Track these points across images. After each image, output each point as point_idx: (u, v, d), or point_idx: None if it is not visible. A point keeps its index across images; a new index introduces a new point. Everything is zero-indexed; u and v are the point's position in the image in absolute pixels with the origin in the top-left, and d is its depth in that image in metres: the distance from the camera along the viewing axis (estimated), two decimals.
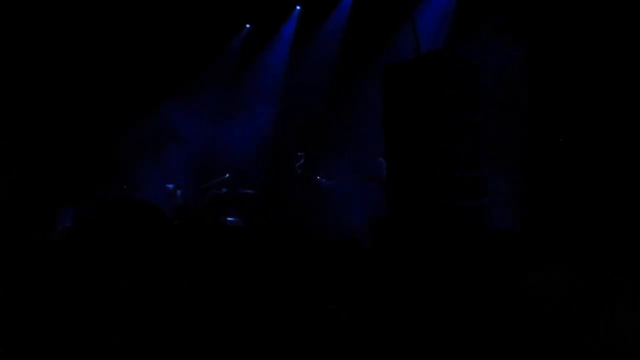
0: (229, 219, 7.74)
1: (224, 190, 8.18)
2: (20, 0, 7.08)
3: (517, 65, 6.00)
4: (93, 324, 2.94)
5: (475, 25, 6.56)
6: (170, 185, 8.20)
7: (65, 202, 7.07)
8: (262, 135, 8.94)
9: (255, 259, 3.95)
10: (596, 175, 5.30)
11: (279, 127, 9.05)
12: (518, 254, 3.37)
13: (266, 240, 4.45)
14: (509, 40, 6.04)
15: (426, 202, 4.95)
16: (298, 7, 8.94)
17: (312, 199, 7.73)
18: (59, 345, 2.85)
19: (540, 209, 5.33)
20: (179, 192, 8.20)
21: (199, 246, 4.27)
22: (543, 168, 5.58)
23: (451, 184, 4.92)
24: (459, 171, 4.91)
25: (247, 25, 9.26)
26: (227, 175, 8.44)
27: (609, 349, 2.56)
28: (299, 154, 8.20)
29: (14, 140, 7.03)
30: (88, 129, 7.91)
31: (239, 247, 4.32)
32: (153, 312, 3.11)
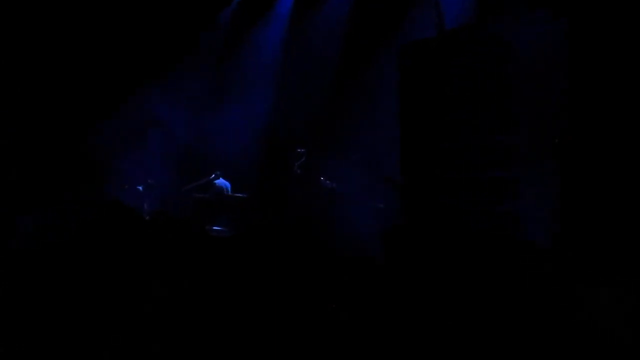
0: (215, 227, 7.82)
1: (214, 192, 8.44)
2: None
3: (555, 45, 5.91)
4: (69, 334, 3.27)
5: None
6: (140, 187, 8.36)
7: (26, 206, 7.22)
8: (256, 129, 8.98)
9: (246, 271, 4.23)
10: None
11: (275, 119, 9.10)
12: (560, 272, 3.53)
13: (260, 253, 4.70)
14: (546, 16, 5.98)
15: (450, 208, 5.05)
16: None
17: (314, 204, 7.80)
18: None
19: (579, 221, 5.19)
20: (149, 194, 8.37)
21: (177, 259, 4.49)
22: (583, 171, 5.46)
23: (479, 185, 5.02)
24: (490, 171, 4.99)
25: None
26: (214, 175, 8.57)
27: None
28: (299, 150, 8.23)
29: None
30: (53, 124, 8.06)
31: (226, 261, 4.59)
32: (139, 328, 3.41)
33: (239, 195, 8.54)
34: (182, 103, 8.86)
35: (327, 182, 7.98)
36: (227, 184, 8.78)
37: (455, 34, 5.03)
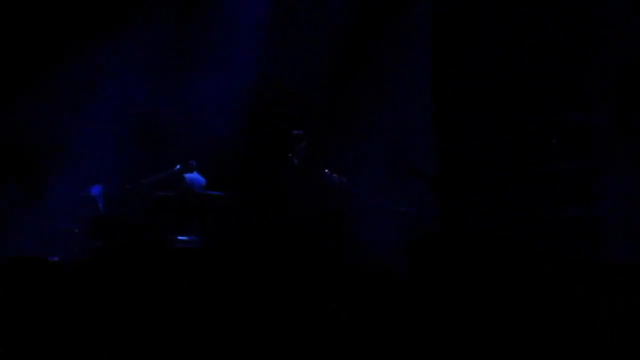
0: (182, 237, 7.65)
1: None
2: None
3: None
4: None
5: None
6: (96, 190, 8.40)
7: None
8: (239, 103, 8.89)
9: (226, 302, 4.78)
10: None
11: (265, 90, 9.02)
12: None
13: (244, 273, 5.23)
14: None
15: (503, 212, 5.32)
16: None
17: (317, 206, 7.68)
18: None
19: None
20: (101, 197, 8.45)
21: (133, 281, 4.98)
22: None
23: (544, 181, 5.25)
24: (556, 163, 5.20)
25: None
26: (184, 165, 8.40)
27: None
28: (296, 133, 8.05)
29: None
30: None
31: (198, 286, 5.11)
32: None
33: (216, 193, 8.36)
34: (135, 68, 8.85)
35: (334, 176, 7.88)
36: (201, 179, 8.70)
37: None
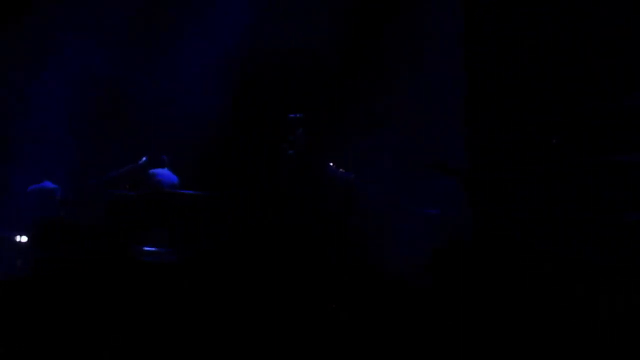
0: (147, 248, 7.61)
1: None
2: None
3: None
4: None
5: None
6: (43, 187, 8.38)
7: None
8: (223, 80, 8.89)
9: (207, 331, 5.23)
10: None
11: (252, 62, 9.02)
12: None
13: (229, 289, 5.77)
14: None
15: (553, 214, 5.44)
16: None
17: (319, 208, 7.67)
18: None
19: None
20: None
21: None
22: None
23: (604, 177, 5.37)
24: (620, 153, 5.32)
25: None
26: (145, 158, 8.38)
27: None
28: (293, 117, 8.02)
29: None
30: None
31: (170, 306, 5.57)
32: None
33: (192, 193, 8.26)
34: (104, 33, 8.92)
35: (341, 171, 7.90)
36: (173, 176, 8.64)
37: None
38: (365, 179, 7.94)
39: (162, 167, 8.59)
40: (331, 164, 7.92)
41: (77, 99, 8.80)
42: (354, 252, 7.09)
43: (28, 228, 7.57)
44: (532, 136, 6.25)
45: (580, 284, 5.04)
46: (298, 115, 8.07)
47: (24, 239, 7.59)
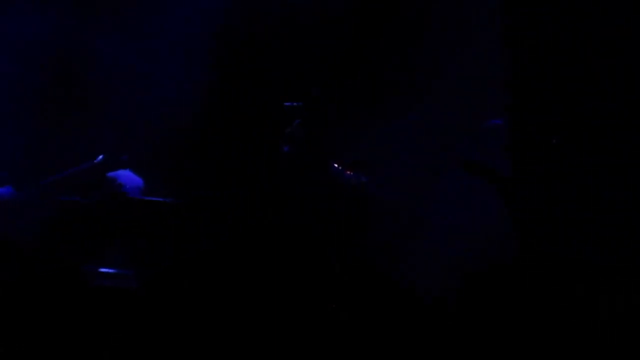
0: (104, 270, 7.55)
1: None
2: None
3: None
4: None
5: None
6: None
7: None
8: (205, 58, 8.87)
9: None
10: None
11: (245, 39, 9.13)
12: None
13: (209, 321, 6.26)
14: None
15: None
16: None
17: (319, 215, 7.59)
18: None
19: None
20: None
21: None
22: None
23: None
24: None
25: None
26: (102, 157, 8.44)
27: None
28: (289, 105, 7.92)
29: None
30: None
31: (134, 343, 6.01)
32: None
33: (163, 200, 8.29)
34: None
35: (348, 173, 7.80)
36: (137, 178, 8.58)
37: None
38: (380, 182, 7.95)
39: (123, 167, 8.54)
40: (336, 164, 7.90)
41: (13, 76, 8.84)
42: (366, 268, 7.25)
43: None
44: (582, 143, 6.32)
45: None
46: (297, 104, 8.02)
47: None
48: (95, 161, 8.42)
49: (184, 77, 8.95)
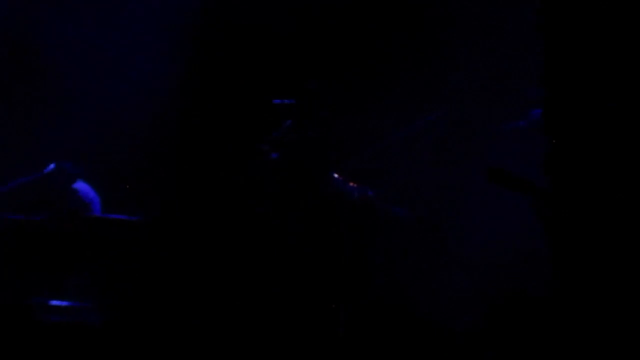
0: (57, 302, 7.61)
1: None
2: None
3: None
4: None
5: None
6: None
7: None
8: (178, 45, 9.08)
9: None
10: None
11: (226, 24, 9.17)
12: None
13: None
14: None
15: None
16: None
17: (312, 236, 7.79)
18: None
19: None
20: None
21: None
22: None
23: None
24: None
25: None
26: (53, 166, 8.34)
27: None
28: (278, 102, 7.95)
29: None
30: None
31: None
32: None
33: (127, 218, 8.21)
34: None
35: (351, 185, 7.77)
36: (92, 192, 8.56)
37: None
38: (390, 196, 7.90)
39: (74, 180, 8.40)
40: (335, 174, 7.77)
41: None
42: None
43: None
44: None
45: None
46: (287, 102, 8.01)
47: None
48: (44, 171, 8.29)
49: (150, 72, 8.96)
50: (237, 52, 9.12)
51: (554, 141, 6.47)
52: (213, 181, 8.79)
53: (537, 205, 6.29)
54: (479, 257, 7.37)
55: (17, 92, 9.32)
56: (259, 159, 7.92)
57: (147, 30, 9.18)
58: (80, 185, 8.58)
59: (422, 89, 8.39)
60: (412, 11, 8.84)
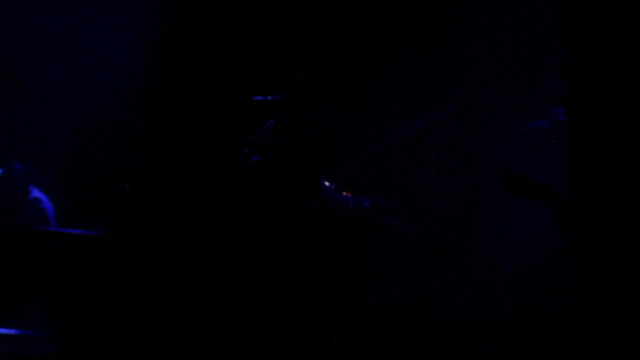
0: (5, 331, 7.74)
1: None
2: None
3: None
4: None
5: None
6: None
7: None
8: (150, 35, 9.19)
9: None
10: None
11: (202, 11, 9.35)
12: None
13: None
14: None
15: None
16: None
17: (300, 252, 7.78)
18: None
19: None
20: None
21: None
22: None
23: None
24: None
25: None
26: (1, 171, 8.52)
27: None
28: (260, 99, 8.04)
29: None
30: None
31: None
32: None
33: (85, 233, 8.21)
34: None
35: (344, 194, 7.89)
36: (47, 201, 8.78)
37: None
38: (389, 206, 7.88)
39: (23, 183, 8.44)
40: (327, 182, 7.81)
41: None
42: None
43: None
44: None
45: None
46: (270, 98, 8.01)
47: None
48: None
49: (115, 68, 8.97)
50: (212, 44, 9.05)
51: (578, 144, 6.50)
52: (188, 187, 8.67)
53: (559, 215, 6.18)
54: (493, 275, 7.34)
55: None
56: (238, 163, 7.97)
57: (121, 27, 9.24)
58: (33, 192, 8.69)
59: (427, 83, 8.55)
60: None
